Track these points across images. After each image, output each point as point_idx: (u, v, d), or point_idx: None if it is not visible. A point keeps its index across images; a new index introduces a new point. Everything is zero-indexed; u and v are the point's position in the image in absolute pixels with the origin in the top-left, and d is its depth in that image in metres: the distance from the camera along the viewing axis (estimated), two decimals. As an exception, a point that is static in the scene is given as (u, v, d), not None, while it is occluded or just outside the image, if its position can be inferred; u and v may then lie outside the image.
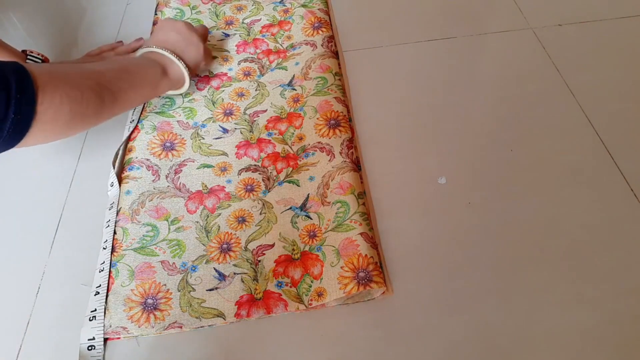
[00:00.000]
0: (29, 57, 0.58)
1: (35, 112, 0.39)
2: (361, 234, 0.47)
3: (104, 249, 0.49)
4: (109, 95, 0.47)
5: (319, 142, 0.56)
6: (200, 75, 0.65)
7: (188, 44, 0.57)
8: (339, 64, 0.65)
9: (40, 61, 0.59)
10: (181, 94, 0.62)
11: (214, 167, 0.55)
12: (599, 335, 0.42)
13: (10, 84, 0.37)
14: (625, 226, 0.49)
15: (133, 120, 0.59)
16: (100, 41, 0.71)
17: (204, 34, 0.63)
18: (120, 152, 0.57)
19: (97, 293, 0.46)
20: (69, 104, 0.42)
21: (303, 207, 0.51)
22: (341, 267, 0.46)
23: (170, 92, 0.60)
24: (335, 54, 0.66)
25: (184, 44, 0.57)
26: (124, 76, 0.50)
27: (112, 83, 0.47)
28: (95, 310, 0.45)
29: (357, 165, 0.54)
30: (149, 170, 0.54)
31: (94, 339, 0.43)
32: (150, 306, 0.45)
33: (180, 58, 0.56)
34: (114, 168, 0.55)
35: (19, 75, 0.38)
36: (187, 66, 0.57)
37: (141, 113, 0.60)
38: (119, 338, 0.44)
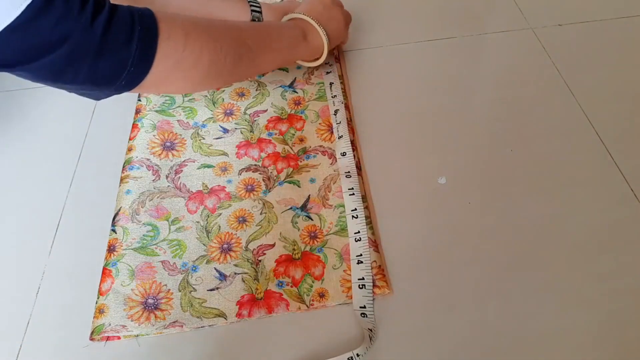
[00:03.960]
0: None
1: (157, 48, 0.39)
2: None
3: (355, 217, 0.49)
4: (247, 53, 0.47)
5: (320, 146, 0.56)
6: (334, 55, 0.65)
7: (330, 17, 0.58)
8: (340, 67, 0.64)
9: (259, 9, 0.59)
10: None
11: (214, 167, 0.55)
12: (599, 335, 0.42)
13: (134, 23, 0.37)
14: (625, 226, 0.49)
15: (335, 95, 0.60)
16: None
17: (346, 15, 0.63)
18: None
19: (360, 262, 0.46)
20: (209, 54, 0.43)
21: (304, 207, 0.51)
22: (344, 271, 0.46)
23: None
24: (337, 58, 0.65)
25: (326, 17, 0.57)
26: (264, 36, 0.50)
27: (251, 41, 0.48)
28: (363, 278, 0.45)
29: (358, 168, 0.54)
30: (149, 170, 0.54)
31: (364, 307, 0.44)
32: (151, 306, 0.45)
33: (322, 27, 0.56)
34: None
35: (142, 17, 0.38)
36: (328, 37, 0.57)
37: (140, 112, 0.60)
38: (119, 338, 0.44)
